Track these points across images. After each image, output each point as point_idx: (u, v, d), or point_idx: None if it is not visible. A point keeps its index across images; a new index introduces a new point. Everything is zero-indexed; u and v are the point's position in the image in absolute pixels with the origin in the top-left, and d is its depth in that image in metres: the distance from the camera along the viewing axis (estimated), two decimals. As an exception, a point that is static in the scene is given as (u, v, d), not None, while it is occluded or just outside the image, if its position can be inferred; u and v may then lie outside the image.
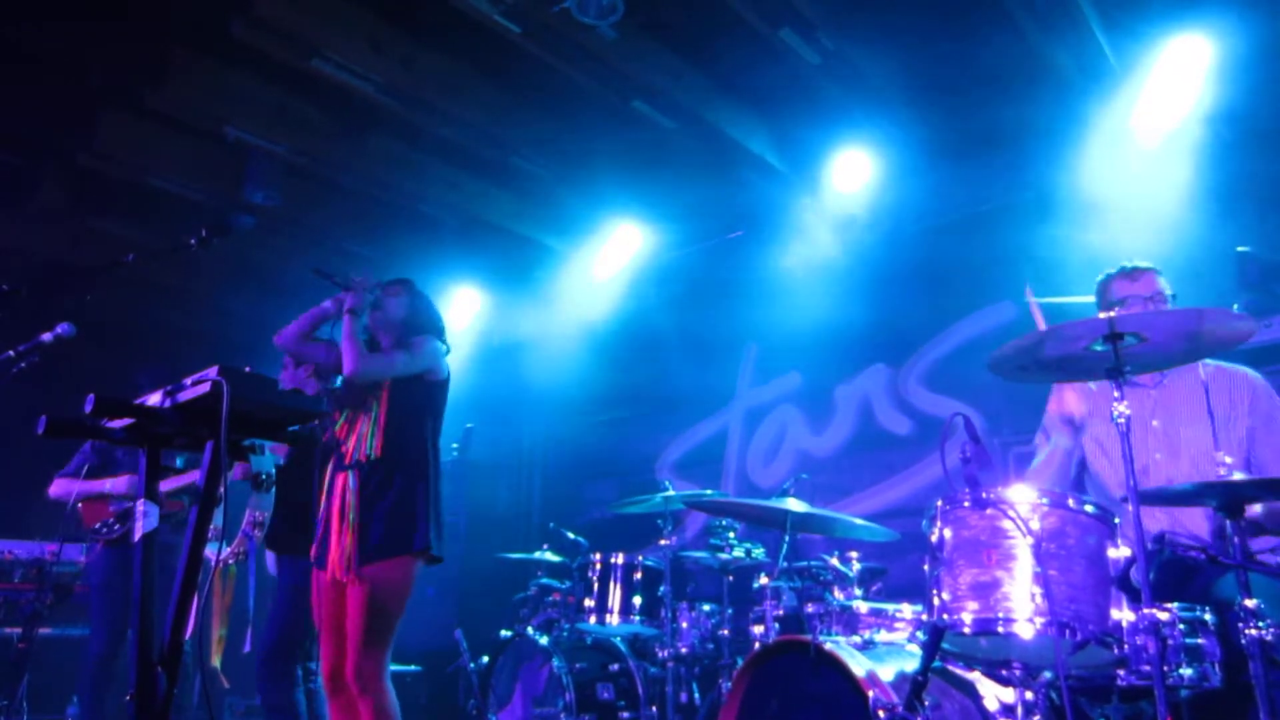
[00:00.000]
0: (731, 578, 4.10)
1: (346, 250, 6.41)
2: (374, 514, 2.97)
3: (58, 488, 4.33)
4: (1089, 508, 2.26)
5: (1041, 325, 2.63)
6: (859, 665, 2.61)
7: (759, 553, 4.12)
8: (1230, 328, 2.26)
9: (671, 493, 4.34)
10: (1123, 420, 2.22)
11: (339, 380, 3.19)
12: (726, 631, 3.98)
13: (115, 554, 4.25)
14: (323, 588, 3.06)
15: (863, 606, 3.14)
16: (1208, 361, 2.85)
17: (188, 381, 1.82)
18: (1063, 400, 2.88)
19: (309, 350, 3.32)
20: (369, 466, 3.03)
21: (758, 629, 3.58)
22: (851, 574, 3.39)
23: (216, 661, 3.74)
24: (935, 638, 2.30)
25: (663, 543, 4.23)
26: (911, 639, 2.95)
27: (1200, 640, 2.19)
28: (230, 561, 3.50)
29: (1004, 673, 2.42)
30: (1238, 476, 2.41)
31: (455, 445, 6.73)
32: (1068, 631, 2.10)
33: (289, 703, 3.40)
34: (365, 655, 2.89)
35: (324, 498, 3.11)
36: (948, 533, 2.32)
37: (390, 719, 2.90)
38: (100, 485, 4.27)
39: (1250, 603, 2.12)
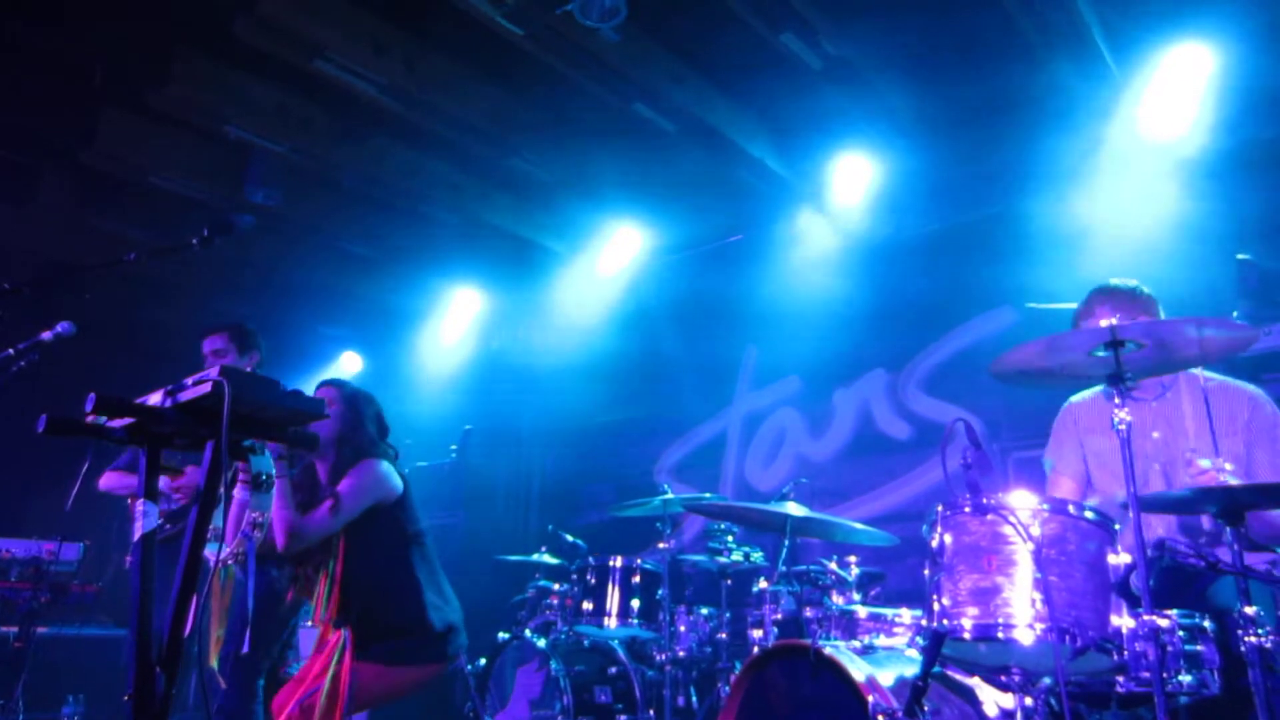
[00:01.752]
0: (730, 581, 4.09)
1: (347, 250, 6.42)
2: (376, 653, 2.89)
3: (109, 480, 4.25)
4: (1089, 514, 2.26)
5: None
6: (858, 670, 2.60)
7: (757, 556, 4.12)
8: (1229, 336, 2.27)
9: (670, 496, 4.34)
10: (1123, 427, 2.23)
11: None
12: (725, 635, 3.98)
13: (166, 553, 4.20)
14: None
15: (862, 611, 3.14)
16: (1210, 375, 2.86)
17: (188, 381, 1.82)
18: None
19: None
20: (348, 628, 2.91)
21: (756, 633, 3.57)
22: (850, 578, 3.39)
23: (214, 662, 3.72)
24: (935, 643, 2.30)
25: (661, 546, 4.23)
26: (911, 644, 2.94)
27: (1199, 647, 2.19)
28: (229, 562, 3.49)
29: (1003, 678, 2.41)
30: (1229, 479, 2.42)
31: (454, 448, 6.72)
32: (1067, 638, 2.10)
33: (247, 711, 3.34)
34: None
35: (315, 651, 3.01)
36: (948, 538, 2.32)
37: None
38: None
39: (1249, 610, 2.12)
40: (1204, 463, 2.51)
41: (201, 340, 3.91)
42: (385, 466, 3.04)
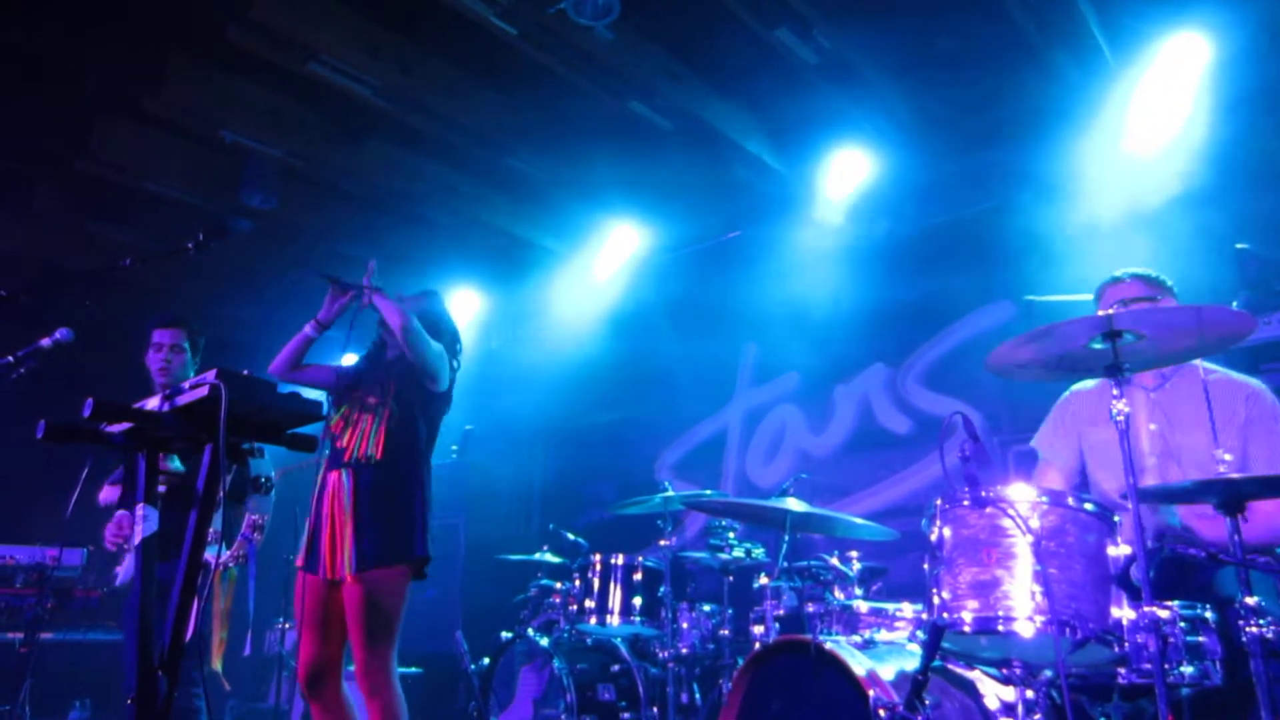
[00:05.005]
0: (732, 578, 4.10)
1: (344, 253, 6.41)
2: (375, 517, 2.96)
3: (108, 495, 4.22)
4: (1088, 505, 2.26)
5: None
6: (859, 664, 2.60)
7: (759, 553, 4.12)
8: (1228, 324, 2.26)
9: (671, 493, 4.34)
10: (1121, 418, 2.22)
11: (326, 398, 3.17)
12: (727, 632, 3.98)
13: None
14: (309, 587, 3.02)
15: (863, 606, 3.14)
16: (1210, 367, 2.85)
17: (186, 385, 1.82)
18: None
19: (304, 375, 3.31)
20: (368, 467, 3.01)
21: (758, 629, 3.58)
22: (851, 573, 3.39)
23: (217, 665, 3.73)
24: (935, 637, 2.30)
25: (663, 543, 4.23)
26: (912, 638, 2.95)
27: (1201, 638, 2.19)
28: (230, 565, 3.49)
29: (1004, 671, 2.42)
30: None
31: (454, 448, 6.72)
32: (1068, 630, 2.10)
33: (194, 708, 3.30)
34: (371, 658, 2.88)
35: (315, 496, 3.08)
36: (947, 531, 2.32)
37: (398, 716, 2.90)
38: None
39: (1251, 600, 2.12)
40: (1228, 457, 2.52)
41: (152, 330, 3.76)
42: (444, 353, 3.25)
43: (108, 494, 4.08)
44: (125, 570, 3.58)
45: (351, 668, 2.95)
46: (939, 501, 2.37)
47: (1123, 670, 2.18)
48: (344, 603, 2.96)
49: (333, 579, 2.96)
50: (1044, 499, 2.24)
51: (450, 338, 3.37)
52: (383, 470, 3.02)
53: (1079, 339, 2.28)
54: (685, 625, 4.08)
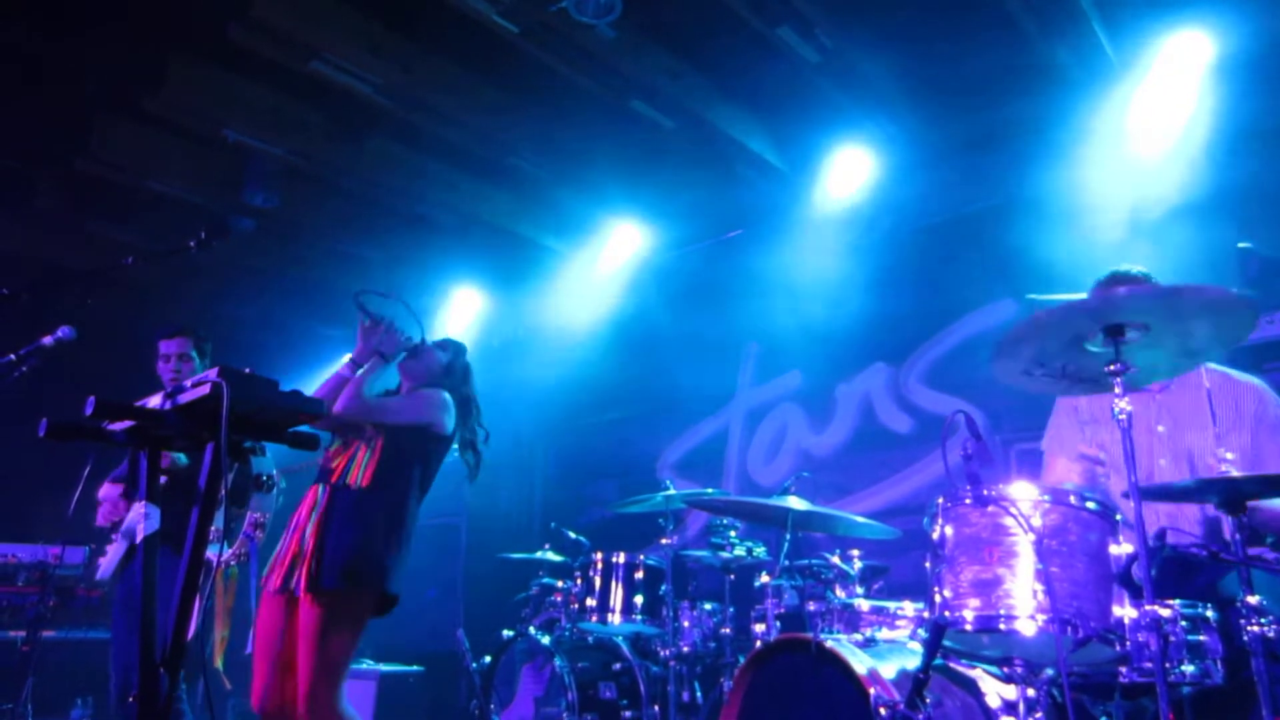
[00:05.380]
0: (733, 576, 4.10)
1: (345, 252, 6.42)
2: (341, 541, 2.87)
3: (110, 492, 4.20)
4: (1090, 504, 2.26)
5: None
6: (860, 663, 2.60)
7: (760, 551, 4.12)
8: (1228, 304, 2.17)
9: (672, 492, 4.34)
10: (1124, 417, 2.22)
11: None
12: (728, 630, 3.98)
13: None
14: (269, 609, 2.93)
15: (864, 604, 3.14)
16: (1213, 368, 2.85)
17: (188, 383, 1.82)
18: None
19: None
20: (350, 491, 2.95)
21: (759, 627, 3.58)
22: (853, 572, 3.39)
23: (219, 663, 3.74)
24: (937, 635, 2.30)
25: (664, 542, 4.23)
26: (913, 636, 2.95)
27: (1202, 637, 2.19)
28: (232, 563, 3.49)
29: (1006, 670, 2.42)
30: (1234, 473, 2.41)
31: (456, 447, 6.72)
32: (1069, 628, 2.10)
33: (178, 711, 3.32)
34: (317, 685, 2.74)
35: (293, 515, 3.02)
36: (949, 530, 2.32)
37: None
38: None
39: (1252, 599, 2.12)
40: (1230, 455, 2.51)
41: (158, 341, 3.80)
42: (452, 402, 3.25)
43: (108, 491, 4.08)
44: (107, 564, 3.57)
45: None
46: (941, 500, 2.37)
47: (1124, 669, 2.18)
48: (299, 627, 2.83)
49: (286, 590, 2.85)
50: (1046, 497, 2.24)
51: (455, 387, 3.36)
52: (363, 497, 2.95)
53: (1080, 330, 2.26)
54: (686, 623, 4.08)
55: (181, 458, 3.38)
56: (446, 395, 3.24)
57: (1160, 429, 2.82)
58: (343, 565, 2.83)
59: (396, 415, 3.12)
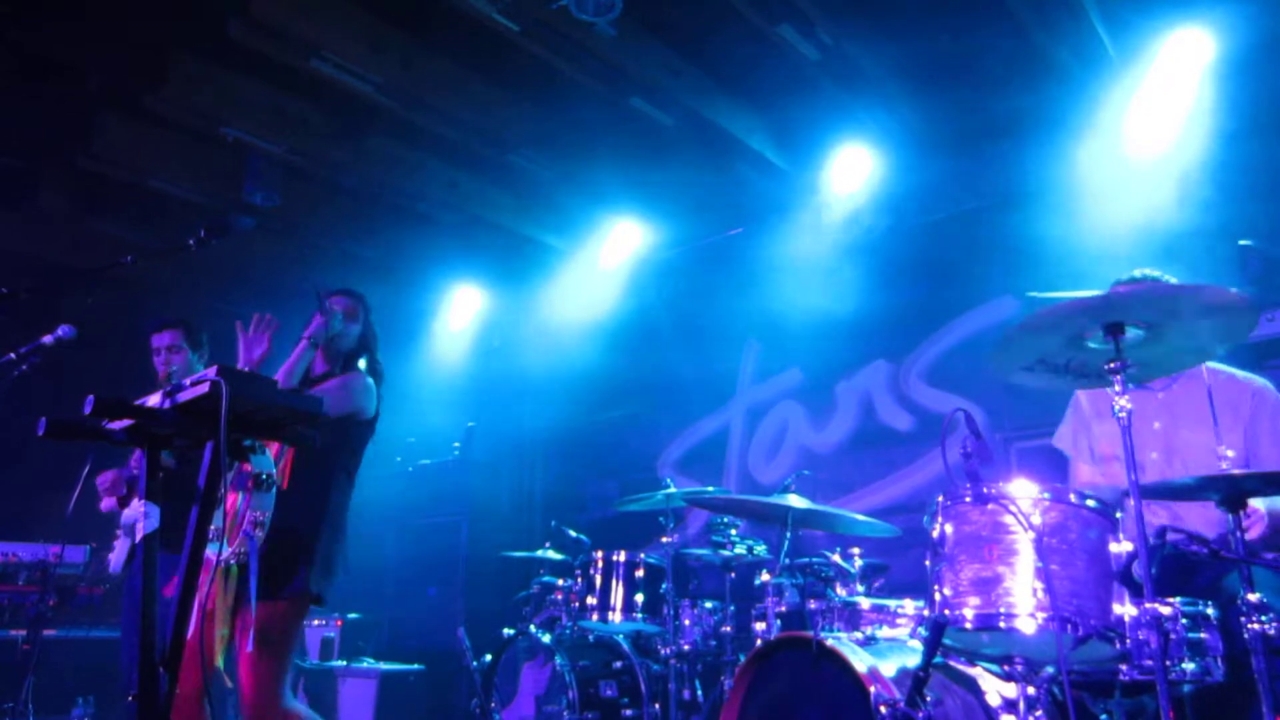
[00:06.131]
0: (733, 574, 4.10)
1: (346, 250, 6.41)
2: (265, 550, 2.78)
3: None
4: (1090, 502, 2.26)
5: None
6: (861, 661, 2.60)
7: (761, 549, 4.12)
8: (1229, 307, 2.19)
9: (673, 490, 4.34)
10: (1124, 415, 2.22)
11: None
12: (729, 628, 3.98)
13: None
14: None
15: (865, 602, 3.14)
16: (1215, 367, 2.84)
17: (187, 382, 1.82)
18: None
19: None
20: (263, 490, 2.82)
21: (760, 625, 3.57)
22: (853, 570, 3.39)
23: (220, 661, 3.73)
24: (937, 633, 2.30)
25: (665, 540, 4.23)
26: (913, 634, 2.95)
27: (1203, 634, 2.19)
28: (231, 561, 3.49)
29: (1006, 668, 2.41)
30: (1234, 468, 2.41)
31: (457, 445, 6.74)
32: (1070, 626, 2.10)
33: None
34: (255, 691, 2.78)
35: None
36: (949, 528, 2.32)
37: None
38: None
39: (1253, 597, 2.12)
40: (1230, 454, 2.51)
41: (150, 335, 3.79)
42: (373, 385, 3.11)
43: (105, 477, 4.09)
44: (118, 558, 3.58)
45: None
46: (941, 498, 2.37)
47: (1124, 667, 2.17)
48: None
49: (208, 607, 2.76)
50: (1046, 495, 2.24)
51: (372, 355, 3.21)
52: (283, 499, 2.82)
53: (1080, 328, 2.26)
54: (687, 622, 4.08)
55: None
56: (366, 378, 3.10)
57: (1156, 425, 2.83)
58: (264, 577, 2.74)
59: (339, 407, 2.97)
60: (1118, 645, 2.14)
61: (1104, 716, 2.51)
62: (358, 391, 3.05)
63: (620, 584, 4.25)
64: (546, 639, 4.22)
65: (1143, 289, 2.39)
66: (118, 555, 3.63)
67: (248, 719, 2.79)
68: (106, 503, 3.78)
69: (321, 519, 2.93)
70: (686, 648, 4.04)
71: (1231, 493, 2.23)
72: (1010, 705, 2.45)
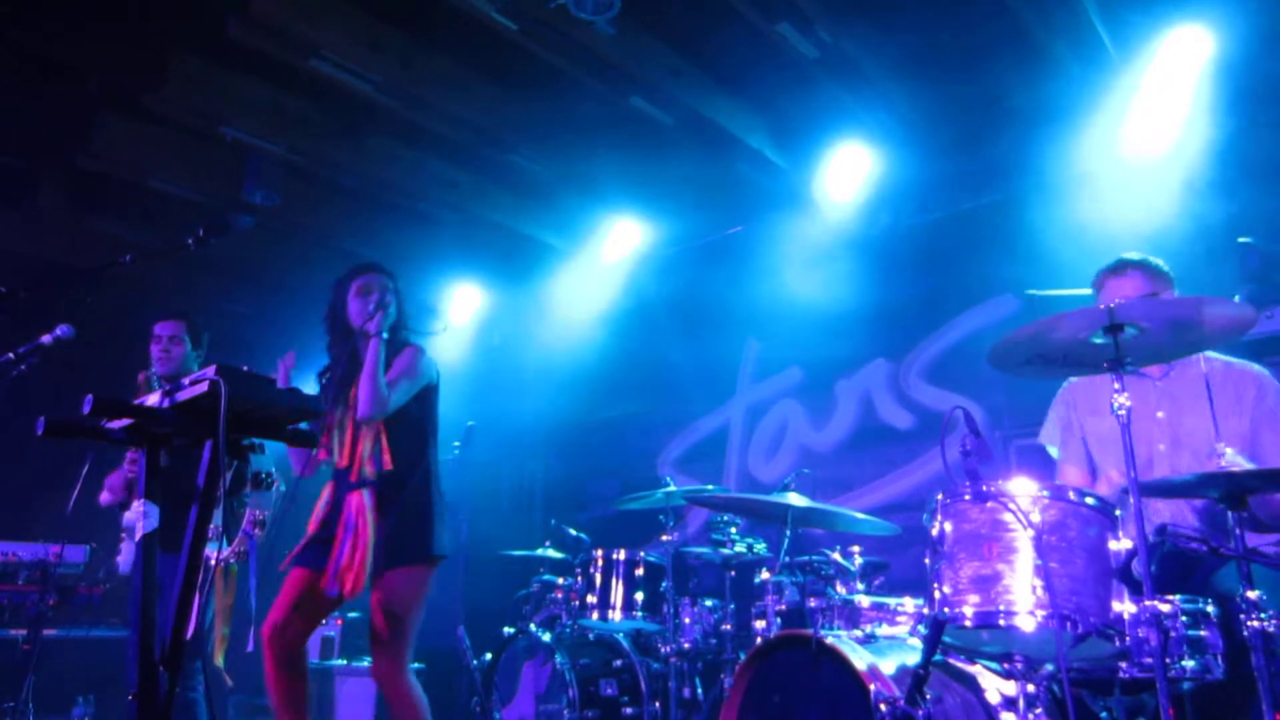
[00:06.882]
0: (733, 573, 4.10)
1: (346, 250, 6.41)
2: (393, 530, 3.01)
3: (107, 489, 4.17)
4: (1090, 500, 2.26)
5: None
6: (861, 659, 2.60)
7: (761, 548, 4.12)
8: (1230, 316, 2.25)
9: (673, 489, 4.34)
10: (1123, 412, 2.22)
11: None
12: (729, 626, 3.98)
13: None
14: (302, 575, 3.04)
15: (864, 601, 3.14)
16: (1212, 355, 2.84)
17: (186, 381, 1.82)
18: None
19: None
20: (380, 482, 3.05)
21: (760, 624, 3.57)
22: (853, 568, 3.39)
23: (220, 660, 3.74)
24: (936, 631, 2.30)
25: (665, 538, 4.23)
26: (913, 633, 2.95)
27: (1202, 632, 2.19)
28: (231, 560, 3.50)
29: (1005, 665, 2.42)
30: (1236, 459, 2.40)
31: (457, 444, 6.72)
32: (1069, 624, 2.10)
33: (190, 700, 3.36)
34: (386, 657, 2.98)
35: (325, 512, 3.10)
36: (948, 526, 2.32)
37: (415, 711, 2.98)
38: None
39: (1253, 594, 2.12)
40: (1229, 451, 2.50)
41: (153, 324, 3.82)
42: (428, 352, 3.30)
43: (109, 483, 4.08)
44: (126, 559, 3.59)
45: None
46: (940, 496, 2.37)
47: (1124, 664, 2.17)
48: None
49: (348, 596, 2.97)
50: (1045, 493, 2.23)
51: (418, 326, 3.41)
52: (395, 479, 3.05)
53: (1080, 332, 2.27)
54: (687, 620, 4.08)
55: None
56: (423, 347, 3.27)
57: (1160, 415, 2.81)
58: (396, 552, 2.98)
59: (408, 393, 3.16)
60: (1117, 643, 2.14)
61: (1104, 714, 2.51)
62: (424, 364, 3.23)
63: (620, 582, 4.25)
64: (546, 637, 4.22)
65: (1143, 302, 2.39)
66: (125, 556, 3.63)
67: (380, 685, 3.01)
68: (105, 496, 3.78)
69: (429, 483, 3.15)
70: (686, 646, 4.05)
71: (1231, 489, 2.23)
72: (1010, 703, 2.45)
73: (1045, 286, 4.03)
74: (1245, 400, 2.72)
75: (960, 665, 2.65)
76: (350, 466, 3.06)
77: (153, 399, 1.89)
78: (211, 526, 1.86)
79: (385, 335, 3.13)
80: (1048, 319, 2.26)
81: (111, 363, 4.44)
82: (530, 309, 7.08)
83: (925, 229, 5.39)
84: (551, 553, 4.96)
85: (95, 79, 4.64)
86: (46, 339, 3.01)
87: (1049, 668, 2.34)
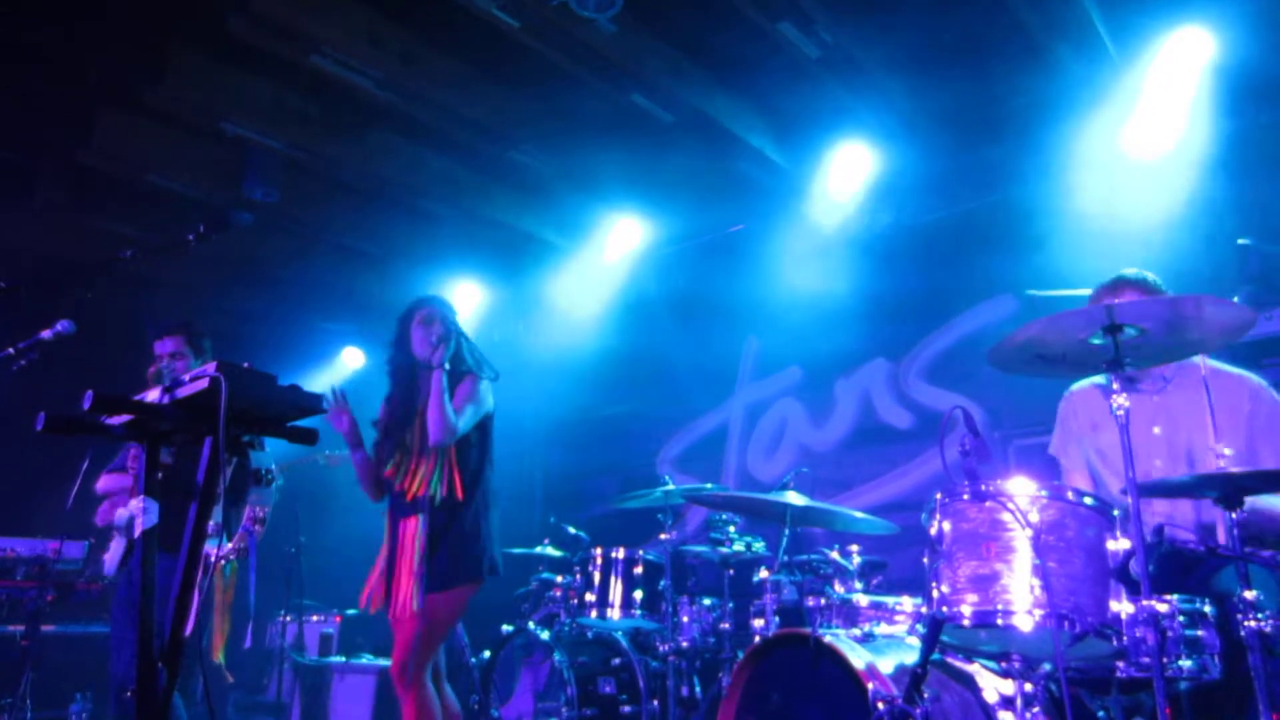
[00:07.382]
0: (732, 571, 4.10)
1: (345, 246, 6.42)
2: (439, 550, 3.11)
3: (106, 483, 4.15)
4: (1088, 500, 2.26)
5: None
6: (859, 658, 2.61)
7: (759, 546, 4.12)
8: (1230, 317, 2.25)
9: (672, 487, 4.34)
10: (1121, 413, 2.22)
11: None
12: (727, 625, 3.98)
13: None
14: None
15: (863, 599, 3.14)
16: (1209, 362, 2.84)
17: (186, 377, 1.82)
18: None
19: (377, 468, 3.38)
20: (439, 506, 3.14)
21: (758, 622, 3.58)
22: (852, 567, 3.39)
23: (219, 657, 3.74)
24: (934, 630, 2.30)
25: (663, 537, 4.23)
26: (911, 631, 2.95)
27: (1199, 632, 2.19)
28: (231, 557, 3.50)
29: (1003, 664, 2.42)
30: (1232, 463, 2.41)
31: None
32: (1067, 623, 2.10)
33: (187, 690, 3.39)
34: (411, 659, 3.09)
35: (388, 539, 3.21)
36: (947, 525, 2.32)
37: (428, 712, 3.09)
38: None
39: (1249, 594, 2.12)
40: (1228, 452, 2.51)
41: (153, 343, 3.81)
42: (488, 382, 3.40)
43: (106, 483, 4.07)
44: (111, 559, 3.57)
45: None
46: (939, 495, 2.37)
47: (1121, 664, 2.18)
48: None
49: (401, 619, 3.10)
50: (1043, 493, 2.24)
51: (478, 356, 3.45)
52: (452, 505, 3.16)
53: (1080, 332, 2.27)
54: (686, 619, 4.09)
55: None
56: (484, 381, 3.36)
57: (1156, 430, 2.81)
58: (443, 575, 3.09)
59: (474, 418, 3.28)
60: (1115, 642, 2.14)
61: (1101, 713, 2.51)
62: (485, 393, 3.35)
63: (619, 581, 4.26)
64: (545, 636, 4.23)
65: (1142, 302, 2.39)
66: (112, 556, 3.61)
67: (396, 685, 3.12)
68: (102, 516, 3.75)
69: (486, 508, 3.26)
70: (685, 644, 4.05)
71: (1229, 490, 2.23)
72: (1007, 702, 2.45)
73: (1045, 286, 4.03)
74: (1242, 410, 2.73)
75: (958, 664, 2.65)
76: (408, 490, 3.16)
77: (153, 395, 1.89)
78: (211, 523, 1.86)
79: (447, 366, 3.20)
80: (1047, 319, 2.26)
81: (112, 358, 4.44)
82: (530, 306, 7.08)
83: (925, 228, 5.40)
84: (550, 551, 4.96)
85: (95, 75, 4.63)
86: (47, 334, 3.01)
87: (1047, 667, 2.35)
